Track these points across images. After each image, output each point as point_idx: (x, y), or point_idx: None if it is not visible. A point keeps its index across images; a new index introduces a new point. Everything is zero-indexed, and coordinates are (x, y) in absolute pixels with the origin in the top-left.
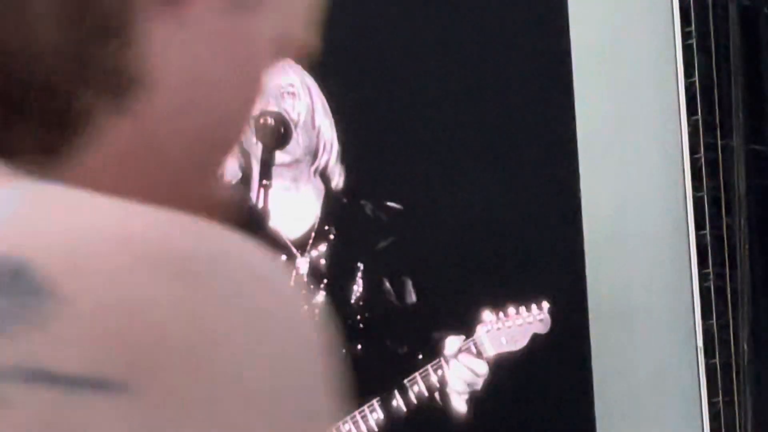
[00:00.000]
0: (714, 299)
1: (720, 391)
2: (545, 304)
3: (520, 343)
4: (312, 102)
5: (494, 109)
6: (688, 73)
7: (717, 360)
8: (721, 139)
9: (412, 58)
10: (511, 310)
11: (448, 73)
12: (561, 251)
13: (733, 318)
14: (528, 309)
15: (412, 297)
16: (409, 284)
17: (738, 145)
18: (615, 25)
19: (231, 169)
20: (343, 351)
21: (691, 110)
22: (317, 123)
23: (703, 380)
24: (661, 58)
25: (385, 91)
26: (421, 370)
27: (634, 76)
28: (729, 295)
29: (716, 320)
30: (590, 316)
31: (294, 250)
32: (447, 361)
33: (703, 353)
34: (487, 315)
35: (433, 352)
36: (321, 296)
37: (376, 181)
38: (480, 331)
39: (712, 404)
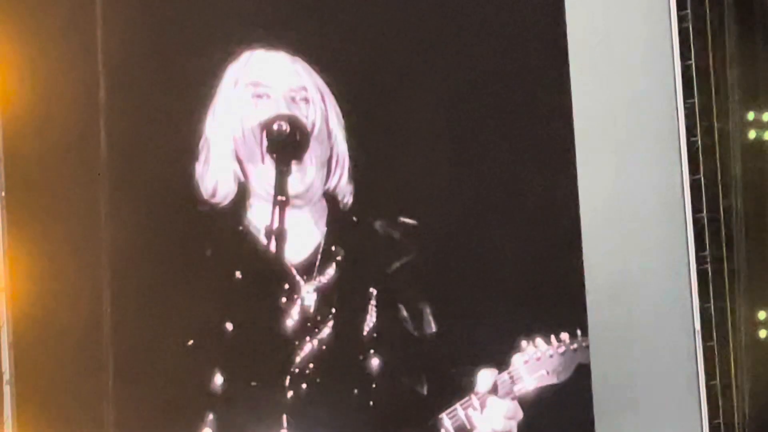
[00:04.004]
0: (711, 282)
1: (718, 374)
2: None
3: (564, 374)
4: (326, 107)
5: (494, 107)
6: (684, 56)
7: (714, 343)
8: (717, 122)
9: (420, 62)
10: (552, 336)
11: (453, 73)
12: (558, 240)
13: (731, 300)
14: (572, 335)
15: (431, 327)
16: (428, 311)
17: (734, 128)
18: (611, 9)
19: (225, 185)
20: (356, 392)
21: (687, 94)
22: (332, 131)
23: (701, 363)
24: (657, 41)
25: (395, 97)
26: (448, 410)
27: (630, 60)
28: (726, 278)
29: (713, 303)
30: (588, 299)
31: (297, 276)
32: (480, 399)
33: (701, 336)
34: (523, 343)
35: (459, 388)
36: (329, 329)
37: (386, 193)
38: (517, 361)
39: (709, 387)
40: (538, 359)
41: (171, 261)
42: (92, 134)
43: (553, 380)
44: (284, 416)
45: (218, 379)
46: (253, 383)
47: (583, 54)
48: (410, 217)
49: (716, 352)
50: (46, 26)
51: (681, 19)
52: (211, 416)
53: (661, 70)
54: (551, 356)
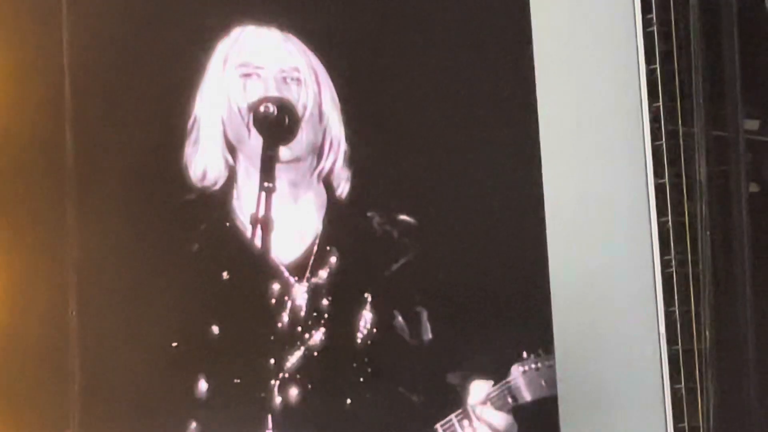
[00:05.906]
0: (676, 285)
1: (683, 378)
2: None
3: None
4: (319, 89)
5: (457, 111)
6: (649, 60)
7: (680, 346)
8: (682, 126)
9: (412, 54)
10: (552, 346)
11: (423, 72)
12: (522, 243)
13: (696, 304)
14: None
15: (428, 333)
16: (425, 317)
17: (699, 132)
18: (576, 12)
19: (214, 169)
20: (348, 402)
21: (652, 97)
22: (325, 114)
23: (666, 367)
24: (622, 45)
25: (395, 86)
26: (443, 422)
27: (596, 63)
28: (691, 282)
29: (678, 306)
30: (552, 303)
31: (289, 276)
32: (472, 412)
33: (666, 340)
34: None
35: (456, 399)
36: (321, 334)
37: (385, 188)
38: (516, 371)
39: (674, 390)
40: (537, 369)
41: (154, 257)
42: (59, 131)
43: (552, 392)
44: (269, 416)
45: (203, 385)
46: (239, 388)
47: (548, 58)
48: (409, 215)
49: (681, 356)
50: (11, 21)
51: (646, 23)
52: (194, 424)
53: (626, 74)
54: (550, 367)
